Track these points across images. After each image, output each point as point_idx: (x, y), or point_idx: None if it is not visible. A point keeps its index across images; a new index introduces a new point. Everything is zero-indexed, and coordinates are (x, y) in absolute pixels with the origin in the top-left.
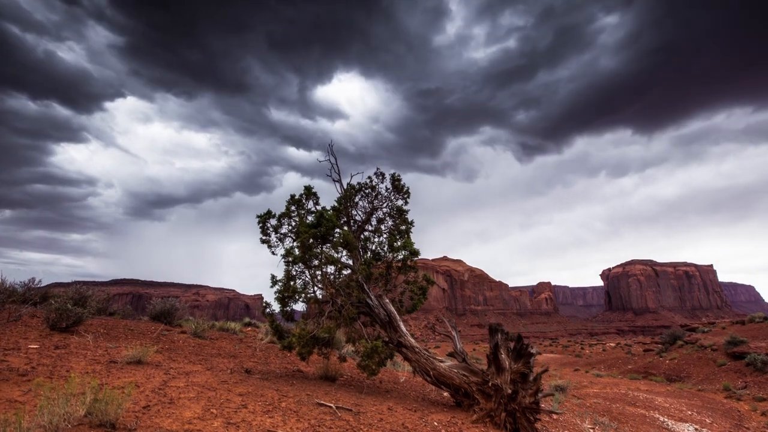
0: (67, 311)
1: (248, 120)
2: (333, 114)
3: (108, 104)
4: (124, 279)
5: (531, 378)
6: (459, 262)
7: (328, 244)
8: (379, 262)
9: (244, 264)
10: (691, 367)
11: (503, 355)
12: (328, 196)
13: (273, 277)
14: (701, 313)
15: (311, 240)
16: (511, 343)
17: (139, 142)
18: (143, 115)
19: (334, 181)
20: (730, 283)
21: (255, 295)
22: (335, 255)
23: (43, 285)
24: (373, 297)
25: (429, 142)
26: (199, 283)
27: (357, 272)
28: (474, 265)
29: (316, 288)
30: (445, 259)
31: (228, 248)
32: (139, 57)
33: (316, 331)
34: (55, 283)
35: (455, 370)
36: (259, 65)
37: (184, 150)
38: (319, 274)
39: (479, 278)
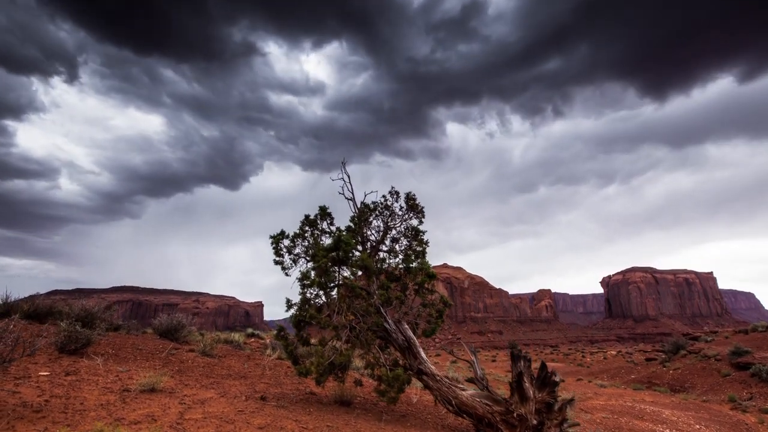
0: (76, 333)
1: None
2: (311, 91)
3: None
4: (124, 286)
5: (556, 407)
6: (459, 269)
7: (345, 267)
8: (395, 283)
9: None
10: (695, 377)
11: (527, 384)
12: (326, 195)
13: (288, 300)
14: (701, 320)
15: (329, 264)
16: (534, 369)
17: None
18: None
19: (346, 199)
20: (730, 290)
21: (255, 302)
22: (353, 279)
23: (41, 292)
24: (390, 321)
25: (421, 124)
26: (199, 290)
27: (374, 294)
28: (473, 272)
29: (333, 312)
30: (445, 266)
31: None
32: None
33: (334, 358)
34: (55, 290)
35: (478, 399)
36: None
37: (137, 134)
38: (336, 298)
39: (479, 285)
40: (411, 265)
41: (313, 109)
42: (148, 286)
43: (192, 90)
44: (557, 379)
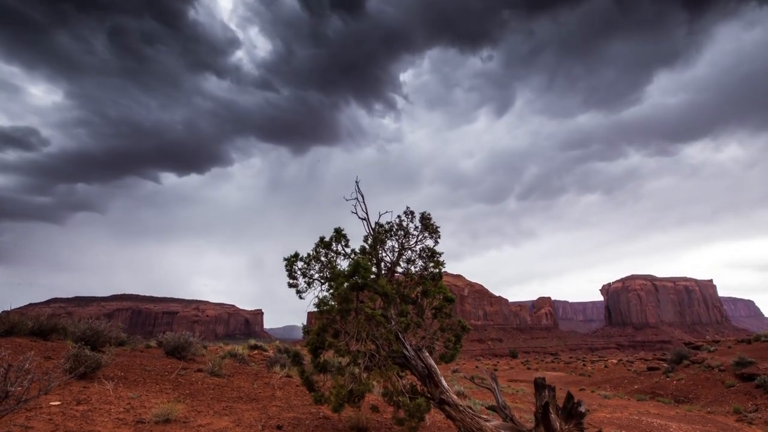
0: (85, 358)
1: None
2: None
3: None
4: (124, 294)
5: None
6: (459, 277)
7: (363, 293)
8: (411, 306)
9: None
10: (699, 388)
11: (553, 415)
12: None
13: (304, 326)
14: (701, 328)
15: (349, 290)
16: (556, 397)
17: None
18: None
19: (360, 218)
20: (730, 297)
21: (254, 310)
22: (372, 305)
23: (40, 301)
24: (409, 348)
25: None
26: (199, 299)
27: (391, 320)
28: (473, 279)
29: (351, 339)
30: (445, 274)
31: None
32: None
33: (353, 386)
34: (54, 298)
35: (502, 431)
36: None
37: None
38: (355, 325)
39: (479, 293)
40: (429, 289)
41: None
42: (148, 294)
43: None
44: (583, 409)
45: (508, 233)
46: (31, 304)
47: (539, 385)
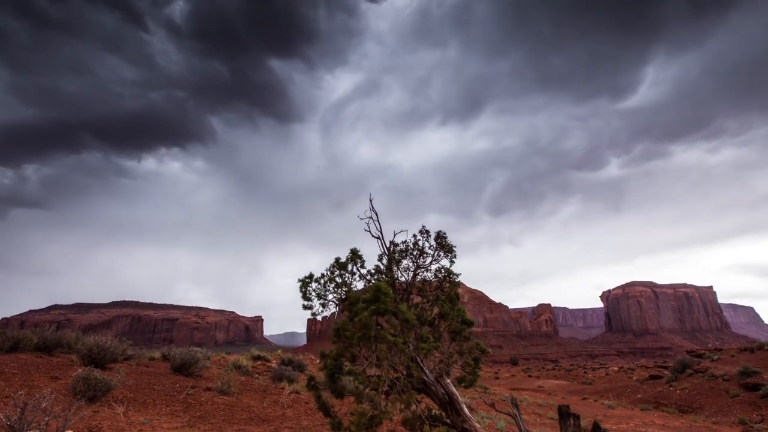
0: (95, 381)
1: None
2: None
3: None
4: (124, 301)
5: None
6: (459, 283)
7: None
8: (427, 327)
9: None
10: (704, 397)
11: None
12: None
13: (322, 353)
14: (701, 334)
15: (369, 316)
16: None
17: None
18: None
19: (373, 236)
20: (730, 304)
21: (254, 317)
22: (392, 331)
23: (40, 308)
24: (429, 374)
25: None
26: (199, 305)
27: (410, 344)
28: (473, 287)
29: (370, 364)
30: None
31: None
32: None
33: (372, 412)
34: (54, 305)
35: None
36: None
37: None
38: (374, 350)
39: (479, 300)
40: (447, 312)
41: None
42: (147, 301)
43: None
44: None
45: (505, 235)
46: (30, 311)
47: (564, 414)
